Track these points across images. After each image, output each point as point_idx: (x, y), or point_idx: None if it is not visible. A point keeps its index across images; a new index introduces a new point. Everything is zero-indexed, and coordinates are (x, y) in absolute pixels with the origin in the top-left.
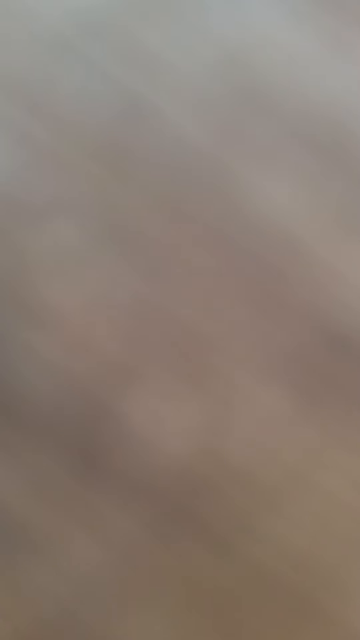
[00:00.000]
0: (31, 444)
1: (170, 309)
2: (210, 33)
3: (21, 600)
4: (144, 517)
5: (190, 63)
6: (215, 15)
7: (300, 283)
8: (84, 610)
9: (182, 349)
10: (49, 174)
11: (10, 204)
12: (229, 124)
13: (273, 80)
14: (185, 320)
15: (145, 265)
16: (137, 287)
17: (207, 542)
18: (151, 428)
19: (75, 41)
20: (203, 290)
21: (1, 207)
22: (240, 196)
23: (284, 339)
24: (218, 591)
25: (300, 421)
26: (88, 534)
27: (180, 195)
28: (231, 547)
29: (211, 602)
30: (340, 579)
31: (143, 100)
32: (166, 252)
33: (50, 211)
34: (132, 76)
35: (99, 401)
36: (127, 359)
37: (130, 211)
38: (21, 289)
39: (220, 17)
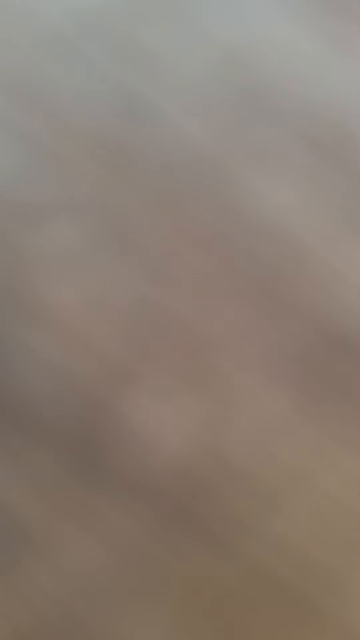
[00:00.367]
0: (31, 444)
1: (170, 309)
2: (210, 33)
3: (21, 600)
4: (144, 517)
5: (190, 63)
6: (215, 15)
7: (300, 283)
8: (84, 610)
9: (182, 349)
10: (49, 174)
11: (10, 204)
12: (229, 124)
13: (273, 80)
14: (185, 320)
15: (145, 266)
16: (137, 287)
17: (207, 542)
18: (151, 428)
19: (75, 41)
20: (203, 290)
21: (1, 207)
22: (240, 196)
23: (284, 339)
24: (218, 591)
25: (300, 421)
26: (88, 534)
27: (181, 195)
28: (231, 546)
29: (211, 602)
30: (340, 579)
31: (143, 100)
32: (166, 252)
33: (50, 211)
34: (132, 76)
35: (99, 401)
36: (127, 359)
37: (131, 211)
38: (20, 289)
39: (220, 17)
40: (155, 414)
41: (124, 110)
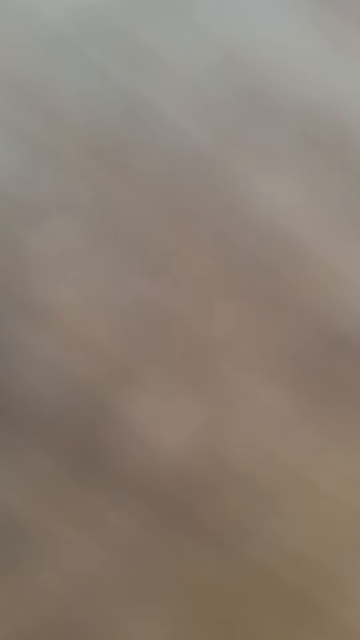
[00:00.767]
0: (31, 445)
1: (170, 309)
2: (210, 33)
3: (21, 600)
4: (144, 517)
5: (190, 63)
6: (215, 15)
7: (300, 284)
8: (84, 610)
9: (182, 349)
10: (49, 174)
11: (10, 204)
12: (229, 124)
13: (273, 80)
14: (185, 320)
15: (145, 265)
16: (137, 287)
17: (207, 542)
18: (151, 428)
19: (75, 41)
20: (203, 290)
21: (1, 207)
22: (240, 196)
23: (284, 340)
24: (218, 591)
25: (300, 421)
26: (88, 534)
27: (181, 195)
28: (231, 546)
29: (211, 602)
30: (339, 579)
31: (143, 100)
32: (166, 252)
33: (50, 211)
34: (132, 76)
35: (99, 401)
36: (127, 359)
37: (131, 211)
38: (20, 289)
39: (220, 17)
40: (155, 414)
41: (123, 110)
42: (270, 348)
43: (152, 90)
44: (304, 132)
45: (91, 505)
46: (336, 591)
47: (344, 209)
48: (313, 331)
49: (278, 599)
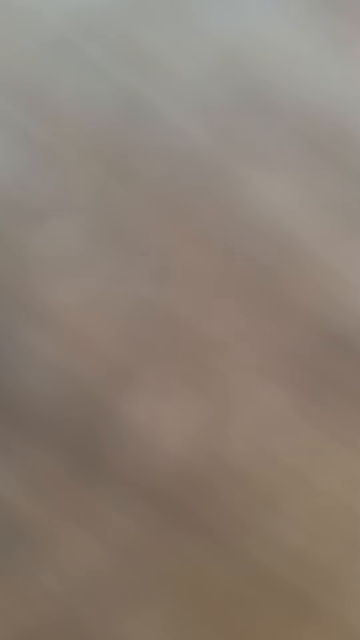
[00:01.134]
0: (31, 444)
1: (170, 309)
2: (210, 33)
3: (21, 600)
4: (144, 516)
5: (190, 63)
6: (215, 15)
7: (300, 284)
8: (84, 609)
9: (182, 349)
10: (49, 174)
11: (11, 204)
12: (229, 124)
13: (272, 81)
14: (185, 320)
15: (145, 266)
16: (137, 287)
17: (206, 541)
18: (151, 428)
19: (75, 41)
20: (203, 290)
21: (1, 207)
22: (239, 196)
23: (284, 339)
24: (217, 590)
25: (300, 421)
26: (88, 533)
27: (181, 196)
28: (231, 546)
29: (211, 602)
30: (339, 579)
31: (143, 100)
32: (166, 252)
33: (50, 211)
34: (132, 76)
35: (99, 401)
36: (127, 359)
37: (130, 211)
38: (20, 289)
39: (220, 18)
40: (155, 414)
41: (124, 110)
42: (270, 348)
43: (152, 91)
44: (304, 132)
45: (91, 505)
46: (336, 591)
47: (344, 209)
48: (313, 331)
49: (278, 599)
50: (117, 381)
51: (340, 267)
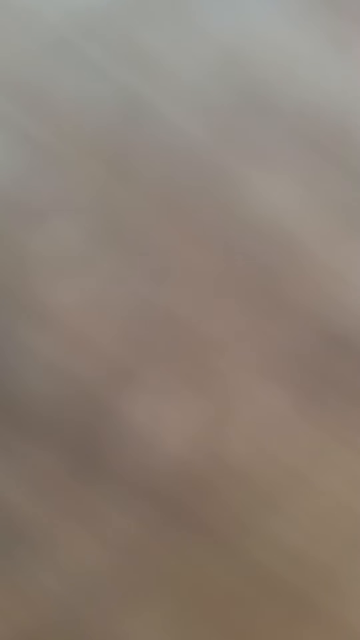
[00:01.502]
0: (31, 444)
1: (170, 309)
2: (210, 33)
3: (21, 600)
4: (144, 516)
5: (190, 63)
6: (215, 15)
7: (300, 284)
8: (84, 610)
9: (182, 349)
10: (49, 174)
11: (11, 204)
12: (229, 124)
13: (272, 81)
14: (185, 320)
15: (145, 265)
16: (137, 287)
17: (206, 541)
18: (151, 428)
19: (75, 41)
20: (203, 290)
21: (1, 207)
22: (239, 196)
23: (284, 339)
24: (217, 590)
25: (300, 421)
26: (88, 533)
27: (181, 196)
28: (231, 546)
29: (211, 602)
30: (339, 579)
31: (143, 100)
32: (166, 252)
33: (50, 211)
34: (131, 76)
35: (99, 401)
36: (127, 359)
37: (130, 211)
38: (20, 289)
39: (220, 18)
40: (155, 414)
41: (124, 110)
42: (270, 348)
43: (152, 91)
44: (304, 132)
45: (91, 505)
46: (336, 591)
47: (344, 209)
48: (313, 331)
49: (278, 599)
50: (117, 381)
51: (341, 267)
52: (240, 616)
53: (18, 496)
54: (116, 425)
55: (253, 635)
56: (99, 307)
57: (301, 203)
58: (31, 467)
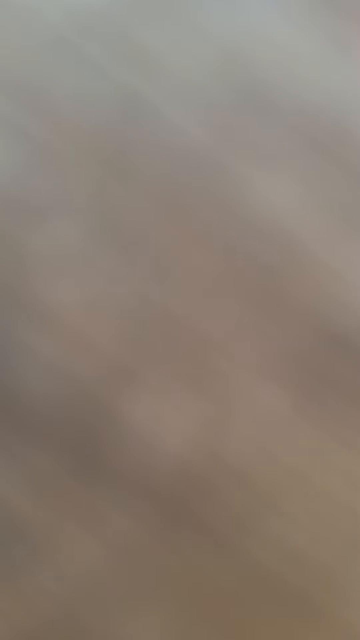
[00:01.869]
0: (31, 444)
1: (170, 309)
2: (210, 33)
3: (21, 600)
4: (144, 516)
5: (190, 63)
6: (215, 15)
7: (300, 283)
8: (84, 610)
9: (182, 349)
10: (49, 172)
11: (10, 202)
12: (229, 124)
13: (272, 80)
14: (185, 320)
15: (145, 265)
16: (137, 287)
17: (206, 541)
18: (151, 428)
19: (75, 40)
20: (203, 290)
21: (1, 207)
22: (239, 195)
23: (284, 339)
24: (217, 591)
25: (300, 421)
26: (88, 533)
27: (180, 195)
28: (231, 546)
29: (211, 602)
30: (339, 579)
31: (142, 100)
32: (166, 251)
33: (50, 211)
34: (131, 75)
35: (99, 401)
36: (127, 358)
37: (130, 211)
38: (21, 289)
39: (219, 17)
40: (155, 414)
41: (123, 109)
42: (270, 348)
43: (151, 90)
44: (304, 131)
45: (91, 505)
46: (336, 591)
47: (344, 209)
48: (313, 331)
49: (278, 599)
50: (117, 381)
51: (341, 266)
52: (240, 616)
53: (18, 496)
54: (116, 425)
55: (253, 635)
56: (99, 307)
57: (301, 202)
58: (31, 467)
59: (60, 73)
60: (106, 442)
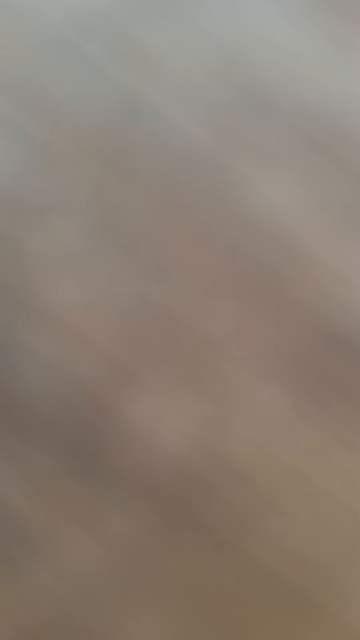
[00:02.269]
0: (31, 444)
1: (170, 309)
2: (210, 33)
3: (21, 600)
4: (144, 516)
5: (190, 63)
6: (215, 15)
7: (300, 283)
8: (84, 610)
9: (182, 349)
10: (48, 172)
11: (10, 202)
12: (229, 124)
13: (272, 80)
14: (185, 320)
15: (145, 265)
16: (137, 287)
17: (206, 541)
18: (151, 428)
19: (75, 40)
20: (203, 290)
21: (1, 207)
22: (239, 195)
23: (284, 339)
24: (217, 591)
25: (300, 421)
26: (88, 533)
27: (180, 196)
28: (231, 546)
29: (211, 602)
30: (339, 579)
31: (142, 100)
32: (166, 251)
33: (49, 210)
34: (131, 75)
35: (99, 401)
36: (127, 358)
37: (130, 211)
38: (20, 289)
39: (219, 17)
40: (155, 414)
41: (123, 109)
42: (270, 348)
43: (151, 90)
44: (304, 131)
45: (91, 505)
46: (336, 591)
47: (344, 209)
48: (313, 331)
49: (278, 599)
50: (117, 381)
51: (341, 266)
52: (240, 616)
53: (18, 496)
54: (116, 425)
55: (253, 635)
56: (99, 307)
57: (301, 202)
58: (31, 467)
59: (60, 73)
60: (106, 442)
